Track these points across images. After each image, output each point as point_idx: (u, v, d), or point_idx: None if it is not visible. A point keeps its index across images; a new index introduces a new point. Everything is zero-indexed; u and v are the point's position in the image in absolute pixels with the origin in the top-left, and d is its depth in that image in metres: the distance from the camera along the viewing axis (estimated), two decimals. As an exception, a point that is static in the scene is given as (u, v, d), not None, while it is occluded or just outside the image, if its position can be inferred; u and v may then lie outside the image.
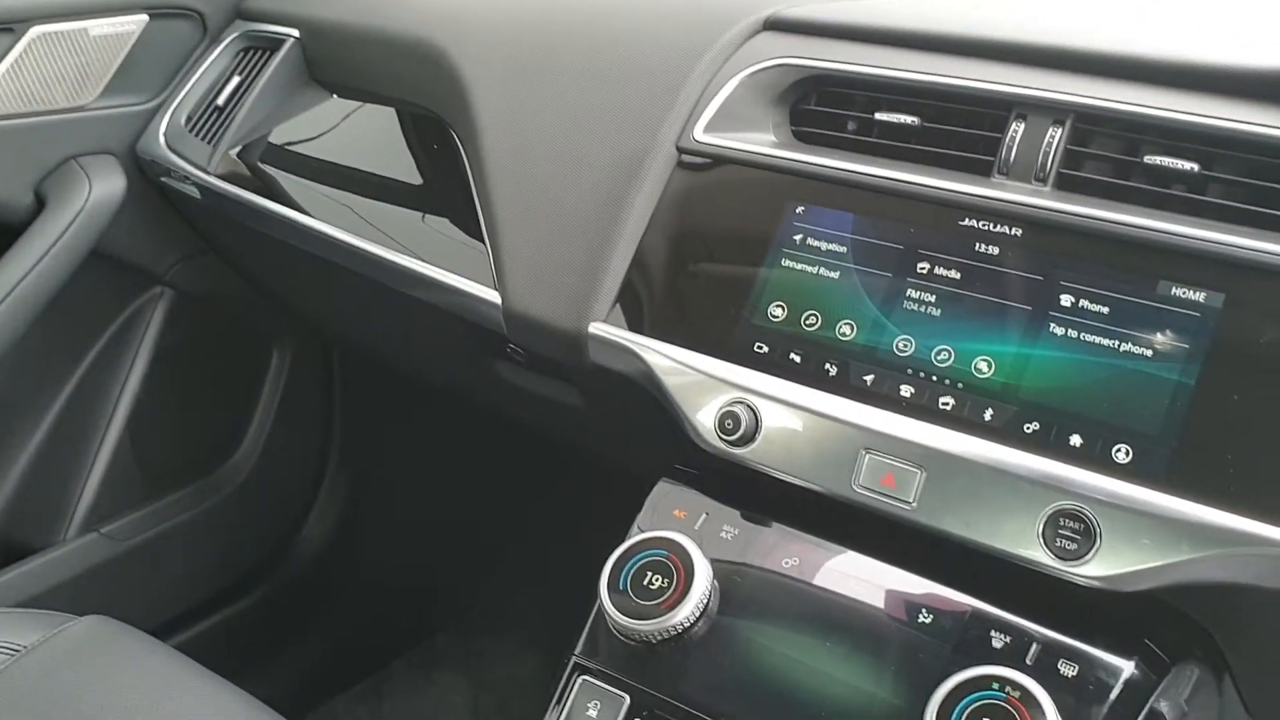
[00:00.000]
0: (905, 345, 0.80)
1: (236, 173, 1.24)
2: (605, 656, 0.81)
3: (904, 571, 0.79)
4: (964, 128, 0.86)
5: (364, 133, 1.23)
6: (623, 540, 0.83)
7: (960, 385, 0.77)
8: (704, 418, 0.84)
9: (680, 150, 0.93)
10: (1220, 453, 0.69)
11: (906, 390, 0.79)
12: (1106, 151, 0.81)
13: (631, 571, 0.80)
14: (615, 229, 0.93)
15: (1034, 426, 0.74)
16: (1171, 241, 0.75)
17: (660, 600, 0.78)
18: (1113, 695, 0.70)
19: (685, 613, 0.77)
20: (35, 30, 1.16)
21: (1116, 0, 0.99)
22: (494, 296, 0.98)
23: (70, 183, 1.25)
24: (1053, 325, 0.76)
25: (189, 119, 1.29)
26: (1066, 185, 0.81)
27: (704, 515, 0.86)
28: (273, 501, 1.60)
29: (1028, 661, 0.72)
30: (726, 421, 0.83)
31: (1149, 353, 0.73)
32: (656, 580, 0.79)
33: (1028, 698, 0.68)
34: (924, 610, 0.76)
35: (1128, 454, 0.71)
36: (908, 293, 0.81)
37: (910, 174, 0.84)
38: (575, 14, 1.09)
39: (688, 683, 0.78)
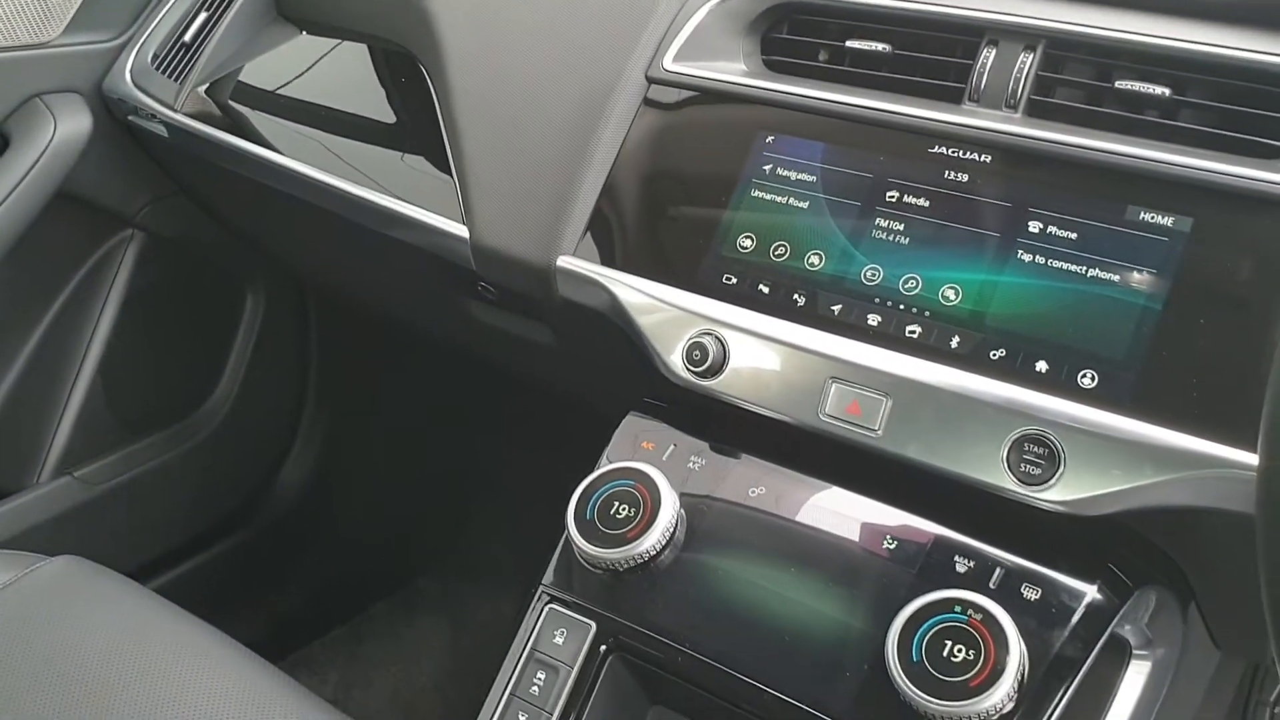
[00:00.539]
0: (873, 274, 0.79)
1: (204, 110, 1.22)
2: (572, 586, 0.81)
3: (869, 500, 0.79)
4: (935, 55, 0.85)
5: (332, 69, 1.21)
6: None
7: (927, 313, 0.77)
8: (672, 350, 0.84)
9: (650, 80, 0.92)
10: (1185, 377, 0.69)
11: (874, 319, 0.78)
12: (1078, 77, 0.80)
13: (598, 502, 0.80)
14: (584, 161, 0.92)
15: (1000, 353, 0.74)
16: (1141, 166, 0.74)
17: (627, 529, 0.78)
18: (1075, 618, 0.70)
19: (651, 541, 0.77)
20: (-6, -38, 1.14)
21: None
22: (462, 231, 0.97)
23: (35, 121, 1.23)
24: (1020, 252, 0.76)
25: (155, 56, 1.26)
26: (1037, 112, 0.80)
27: (672, 447, 0.85)
28: (249, 445, 1.59)
29: (991, 586, 0.72)
30: (694, 353, 0.82)
31: (1116, 278, 0.73)
32: (623, 510, 0.79)
33: (989, 620, 0.68)
34: (888, 537, 0.76)
35: (1093, 379, 0.71)
36: (876, 221, 0.80)
37: (881, 102, 0.83)
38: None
39: (654, 610, 0.78)
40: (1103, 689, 0.82)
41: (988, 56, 0.82)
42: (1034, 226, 0.76)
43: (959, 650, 0.68)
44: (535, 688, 0.78)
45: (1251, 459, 0.65)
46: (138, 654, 1.00)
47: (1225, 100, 0.75)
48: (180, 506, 1.52)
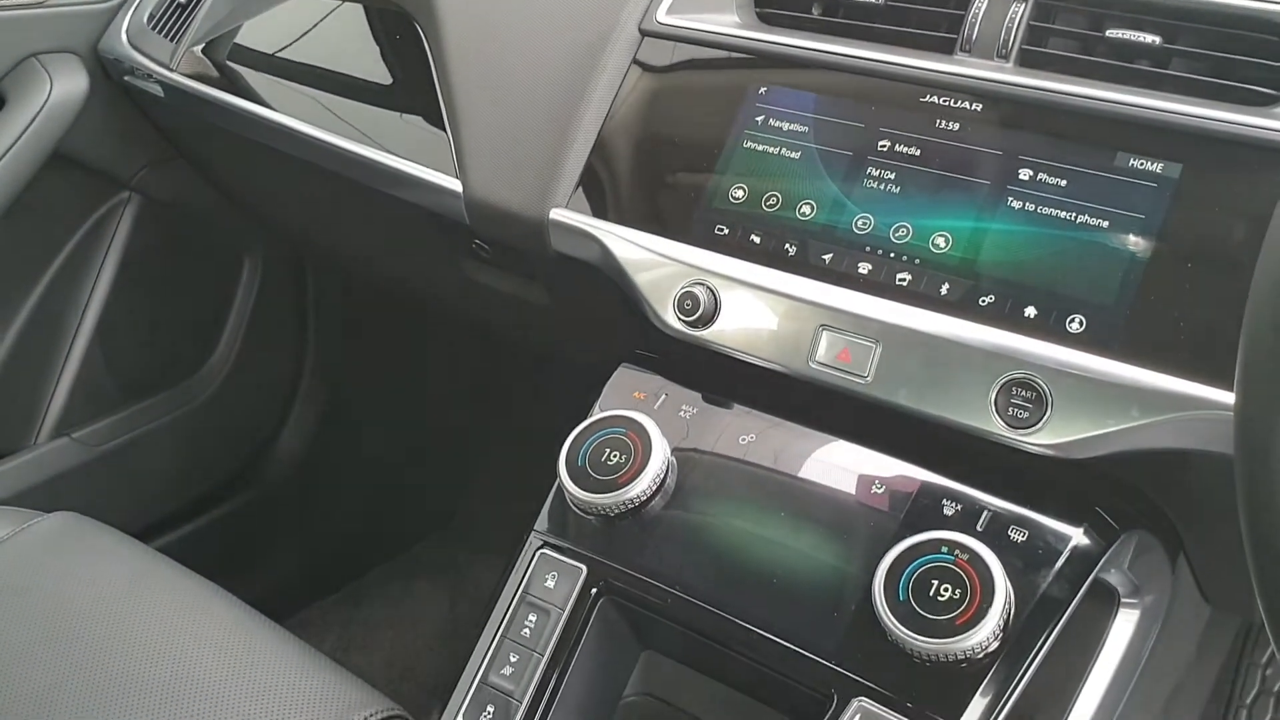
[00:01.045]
0: (864, 223, 0.80)
1: (200, 70, 1.22)
2: (564, 531, 0.82)
3: (859, 446, 0.79)
4: (927, 5, 0.85)
5: (327, 28, 1.21)
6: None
7: (918, 261, 0.77)
8: (663, 300, 0.84)
9: (643, 32, 0.92)
10: (1173, 320, 0.69)
11: (865, 267, 0.79)
12: (1070, 26, 0.80)
13: (590, 449, 0.81)
14: (577, 114, 0.92)
15: (989, 299, 0.74)
16: (1131, 113, 0.74)
17: (618, 475, 0.79)
18: (1061, 559, 0.71)
19: (641, 487, 0.78)
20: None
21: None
22: (456, 186, 0.98)
23: (31, 80, 1.23)
24: (1010, 199, 0.76)
25: (151, 16, 1.26)
26: (1029, 61, 0.80)
27: (663, 396, 0.86)
28: (247, 410, 1.60)
29: (978, 529, 0.72)
30: (685, 303, 0.82)
31: (1105, 224, 0.73)
32: (614, 457, 0.80)
33: (976, 560, 0.69)
34: (877, 483, 0.77)
35: (1081, 324, 0.71)
36: (868, 171, 0.81)
37: (873, 52, 0.84)
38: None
39: (644, 555, 0.79)
40: (1091, 636, 0.83)
41: (979, 6, 0.82)
42: (1024, 174, 0.76)
43: (945, 589, 0.68)
44: (526, 630, 0.78)
45: (1236, 400, 0.65)
46: (134, 606, 1.01)
47: (1216, 48, 0.75)
48: (178, 469, 1.52)
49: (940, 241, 0.77)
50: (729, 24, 0.90)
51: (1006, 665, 0.69)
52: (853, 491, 0.77)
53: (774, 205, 0.83)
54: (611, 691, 0.82)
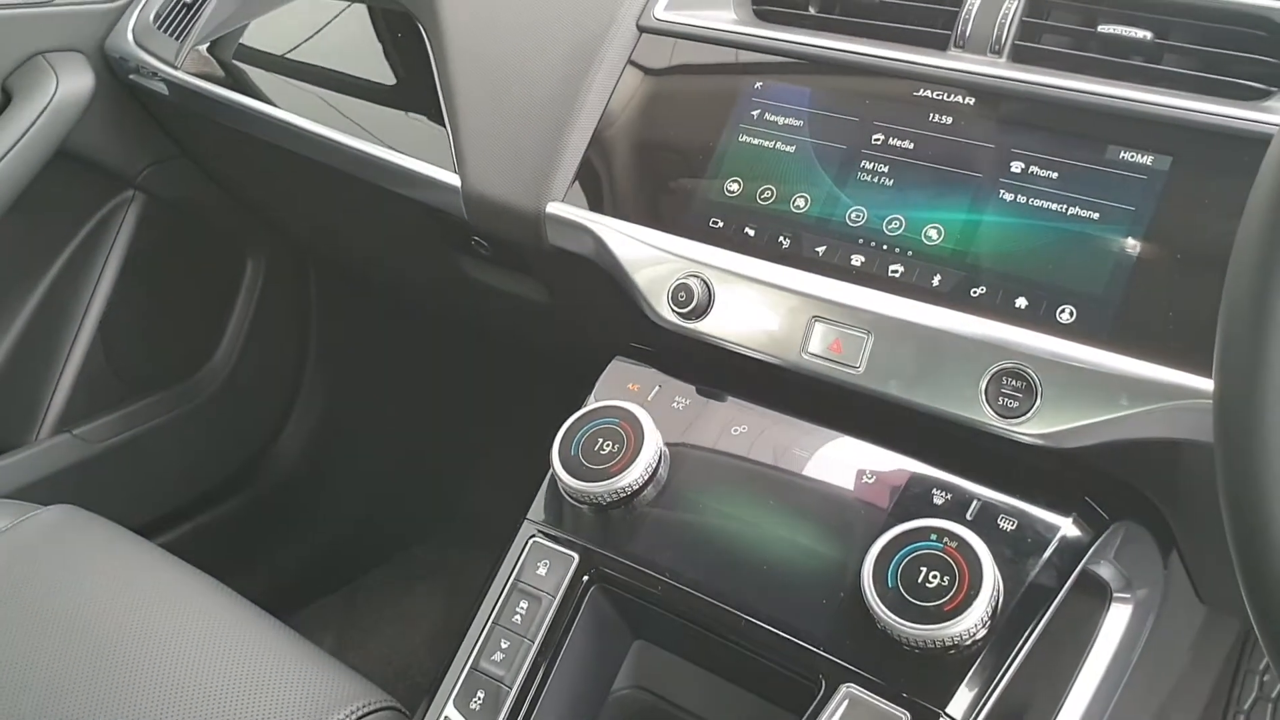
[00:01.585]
0: (858, 216, 0.80)
1: (204, 68, 1.23)
2: (556, 520, 0.82)
3: (850, 438, 0.80)
4: (922, 2, 0.85)
5: (330, 29, 1.22)
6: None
7: (910, 253, 0.78)
8: (658, 292, 0.84)
9: (640, 29, 0.93)
10: (1162, 311, 0.70)
11: (857, 259, 0.79)
12: (1062, 22, 0.81)
13: (583, 438, 0.81)
14: (574, 110, 0.93)
15: (981, 290, 0.75)
16: (1121, 107, 0.75)
17: (610, 464, 0.79)
18: (1050, 548, 0.71)
19: (633, 476, 0.78)
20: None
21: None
22: (454, 180, 0.98)
23: (37, 78, 1.25)
24: (1002, 191, 0.76)
25: (157, 16, 1.28)
26: (1022, 57, 0.81)
27: (657, 388, 0.86)
28: (248, 409, 1.61)
29: (968, 518, 0.73)
30: (679, 294, 0.83)
31: (1096, 216, 0.73)
32: (607, 446, 0.80)
33: (964, 547, 0.69)
34: (868, 473, 0.77)
35: (1071, 314, 0.72)
36: (861, 164, 0.81)
37: (868, 47, 0.84)
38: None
39: (636, 543, 0.79)
40: (1083, 631, 0.83)
41: (973, 2, 0.82)
42: (1016, 167, 0.76)
43: (934, 576, 0.68)
44: (518, 616, 0.79)
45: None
46: (131, 596, 1.02)
47: (1206, 43, 0.76)
48: (178, 468, 1.53)
49: (933, 234, 0.77)
50: (726, 20, 0.91)
51: (994, 653, 0.69)
52: (843, 482, 0.78)
53: (768, 198, 0.83)
54: (602, 680, 0.82)
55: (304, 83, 1.17)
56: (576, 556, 0.80)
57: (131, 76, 1.29)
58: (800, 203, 0.82)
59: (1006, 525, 0.72)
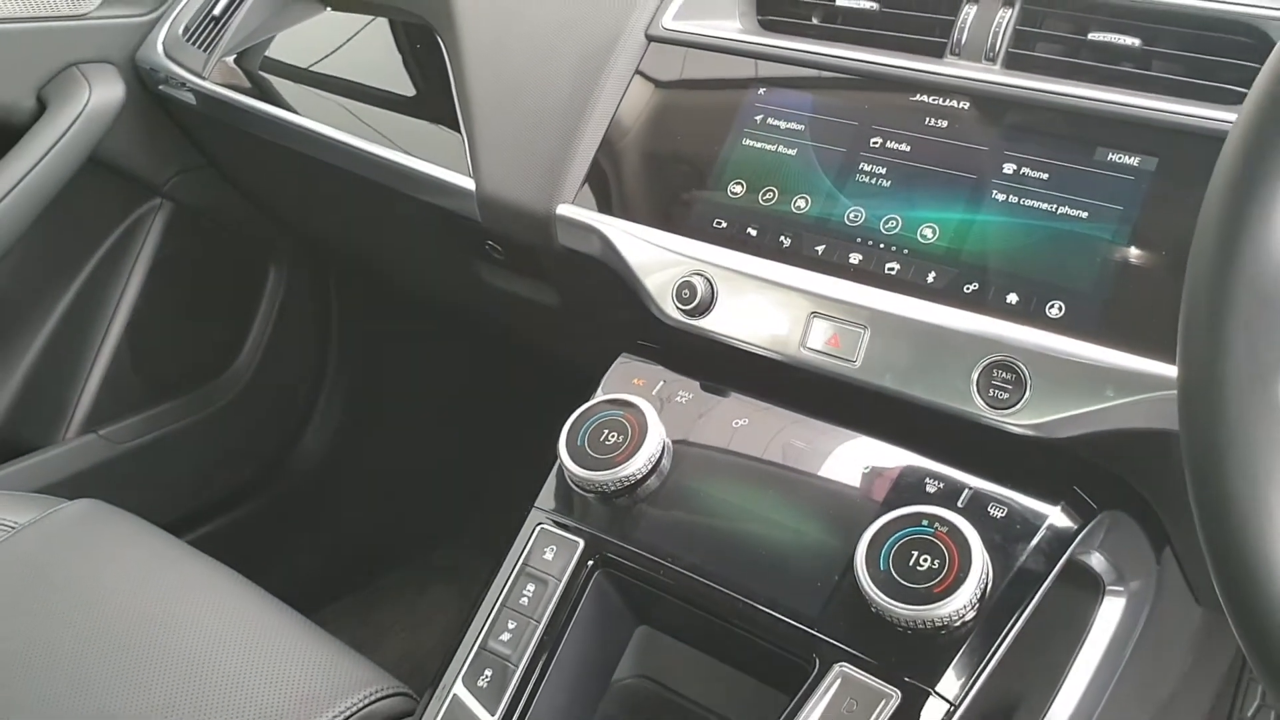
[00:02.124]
0: (856, 216, 0.83)
1: (230, 78, 1.28)
2: (563, 507, 0.85)
3: (847, 430, 0.82)
4: (920, 11, 0.88)
5: (352, 41, 1.26)
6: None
7: (906, 251, 0.80)
8: (662, 290, 0.87)
9: (649, 38, 0.96)
10: (1147, 305, 0.72)
11: (855, 258, 0.82)
12: (1054, 30, 0.84)
13: (589, 430, 0.84)
14: (584, 115, 0.96)
15: (973, 287, 0.77)
16: (1109, 110, 0.77)
17: (614, 454, 0.82)
18: (1038, 534, 0.73)
19: (636, 465, 0.81)
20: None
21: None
22: (469, 184, 1.02)
23: (71, 88, 1.29)
24: (995, 192, 0.79)
25: (186, 29, 1.32)
26: (1015, 64, 0.83)
27: (661, 383, 0.89)
28: (269, 414, 1.64)
29: (959, 505, 0.75)
30: (683, 292, 0.86)
31: (1085, 215, 0.76)
32: (612, 437, 0.83)
33: (955, 532, 0.71)
34: (863, 464, 0.80)
35: (1060, 309, 0.74)
36: (860, 166, 0.84)
37: (868, 55, 0.87)
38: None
39: (639, 530, 0.81)
40: (1077, 623, 0.85)
41: (969, 12, 0.85)
42: (1008, 168, 0.79)
43: (925, 560, 0.71)
44: (525, 599, 0.81)
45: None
46: (153, 585, 1.05)
47: (1193, 50, 0.79)
48: (200, 469, 1.57)
49: (928, 232, 0.80)
50: (732, 30, 0.94)
51: (983, 634, 0.71)
52: (839, 472, 0.80)
53: (770, 199, 0.86)
54: (605, 662, 0.85)
55: (327, 93, 1.21)
56: (582, 542, 0.82)
57: (161, 87, 1.33)
58: (801, 203, 0.85)
59: (996, 513, 0.74)
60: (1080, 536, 0.75)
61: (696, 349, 0.89)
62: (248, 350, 1.59)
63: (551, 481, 0.86)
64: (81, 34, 1.31)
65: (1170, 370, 0.69)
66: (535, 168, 0.97)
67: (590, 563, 0.82)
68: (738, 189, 0.88)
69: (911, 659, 0.71)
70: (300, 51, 1.27)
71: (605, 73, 0.96)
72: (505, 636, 0.80)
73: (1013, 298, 0.76)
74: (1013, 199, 0.78)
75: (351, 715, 0.93)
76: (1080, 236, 0.75)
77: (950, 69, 0.84)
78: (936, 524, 0.72)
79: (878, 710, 0.70)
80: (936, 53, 0.86)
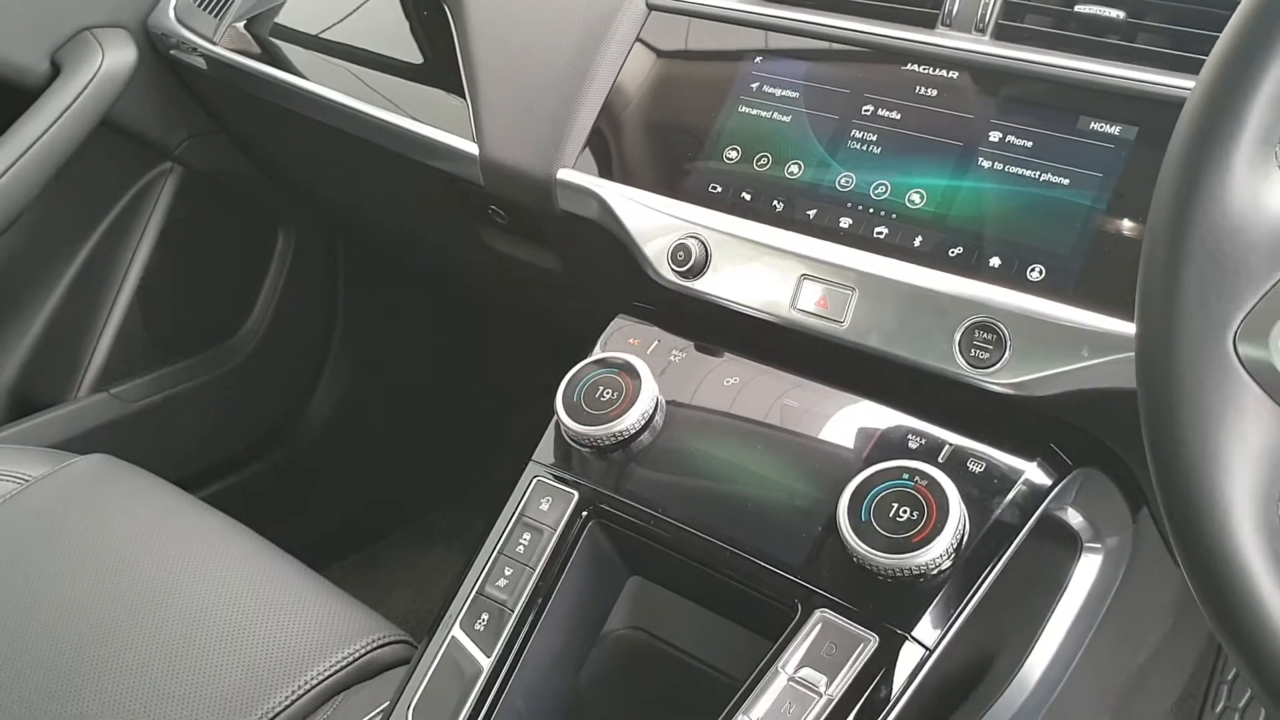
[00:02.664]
0: (847, 181, 0.86)
1: (240, 44, 1.30)
2: (559, 461, 0.88)
3: (834, 389, 0.85)
4: (913, -18, 0.90)
5: (361, 8, 1.28)
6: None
7: (894, 215, 0.83)
8: (658, 252, 0.90)
9: (650, 7, 0.98)
10: (1124, 269, 0.74)
11: (845, 221, 0.85)
12: (1043, 2, 0.86)
13: (585, 386, 0.87)
14: (585, 82, 0.98)
15: (958, 250, 0.80)
16: (1092, 81, 0.79)
17: (609, 410, 0.85)
18: (1014, 488, 0.76)
19: (630, 420, 0.84)
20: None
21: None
22: (473, 149, 1.04)
23: (84, 52, 1.32)
24: (981, 159, 0.81)
25: (198, -6, 1.35)
26: (1004, 35, 0.85)
27: (655, 343, 0.92)
28: (277, 376, 1.67)
29: (939, 460, 0.78)
30: (678, 254, 0.89)
31: (1066, 181, 0.78)
32: (607, 394, 0.86)
33: (934, 485, 0.74)
34: (848, 421, 0.83)
35: (1040, 272, 0.77)
36: (852, 133, 0.87)
37: (862, 25, 0.90)
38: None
39: (632, 483, 0.84)
40: (1055, 579, 0.88)
41: (960, -17, 0.87)
42: (994, 136, 0.81)
43: (905, 511, 0.74)
44: (521, 547, 0.85)
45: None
46: (162, 537, 1.08)
47: (1178, 22, 0.81)
48: (209, 428, 1.60)
49: (915, 198, 0.83)
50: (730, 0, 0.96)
51: (959, 583, 0.74)
52: (825, 429, 0.83)
53: (764, 165, 0.89)
54: (598, 609, 0.88)
55: (335, 59, 1.24)
56: (577, 494, 0.85)
57: (172, 52, 1.36)
58: (794, 169, 0.88)
59: (974, 467, 0.77)
60: (1055, 492, 0.77)
61: (691, 310, 0.92)
62: (257, 313, 1.62)
63: (549, 437, 0.89)
64: (94, -2, 1.33)
65: (1144, 332, 0.72)
66: (537, 133, 0.99)
67: (584, 514, 0.85)
68: (733, 155, 0.90)
69: (890, 606, 0.74)
70: (310, 18, 1.29)
71: (607, 40, 0.99)
72: (502, 582, 0.84)
73: (995, 261, 0.79)
74: (998, 166, 0.81)
75: (353, 661, 0.96)
76: (1061, 203, 0.78)
77: (941, 39, 0.86)
78: (916, 477, 0.75)
79: (856, 653, 0.73)
80: (928, 23, 0.88)
